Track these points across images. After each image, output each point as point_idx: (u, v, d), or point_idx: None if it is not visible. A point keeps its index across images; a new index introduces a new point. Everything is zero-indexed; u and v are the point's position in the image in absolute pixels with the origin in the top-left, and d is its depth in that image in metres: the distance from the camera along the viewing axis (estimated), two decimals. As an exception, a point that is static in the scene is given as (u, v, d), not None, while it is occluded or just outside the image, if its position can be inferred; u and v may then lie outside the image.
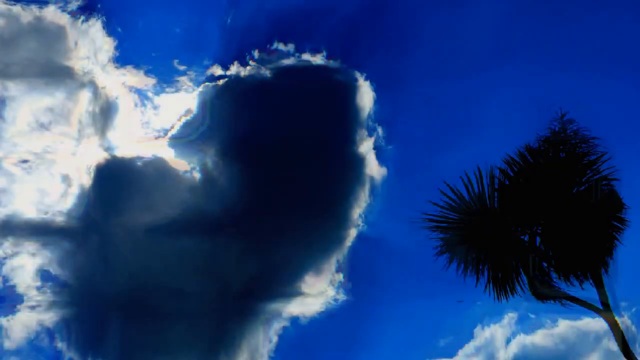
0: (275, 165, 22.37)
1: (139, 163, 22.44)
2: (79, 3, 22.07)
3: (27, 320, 21.69)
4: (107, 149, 22.36)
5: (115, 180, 22.24)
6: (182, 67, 22.67)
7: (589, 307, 12.45)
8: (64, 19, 22.03)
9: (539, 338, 22.01)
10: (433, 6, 22.97)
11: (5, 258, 21.69)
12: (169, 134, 22.73)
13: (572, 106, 13.27)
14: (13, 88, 21.86)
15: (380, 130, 22.93)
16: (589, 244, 12.60)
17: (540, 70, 22.18)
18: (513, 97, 22.06)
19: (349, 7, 23.13)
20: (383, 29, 23.17)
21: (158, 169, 22.50)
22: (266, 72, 22.78)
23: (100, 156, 22.25)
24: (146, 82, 22.56)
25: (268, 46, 22.85)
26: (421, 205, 13.24)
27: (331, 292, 22.46)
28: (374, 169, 22.87)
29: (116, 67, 22.43)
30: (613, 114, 21.21)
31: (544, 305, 13.15)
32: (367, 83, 22.85)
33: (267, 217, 22.26)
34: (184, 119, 22.75)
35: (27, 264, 21.80)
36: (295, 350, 22.83)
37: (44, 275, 21.80)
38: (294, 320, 22.49)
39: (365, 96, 22.84)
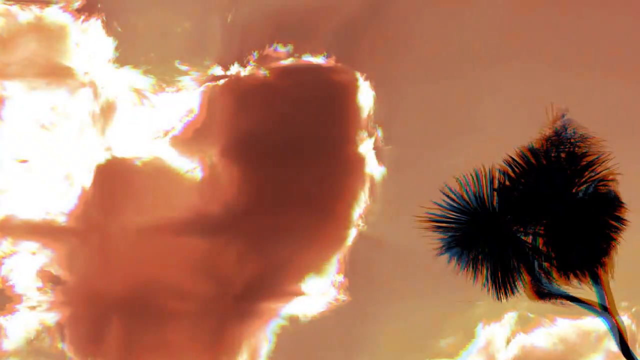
0: (275, 165, 22.39)
1: (139, 163, 22.45)
2: (79, 3, 22.08)
3: (27, 320, 21.71)
4: (107, 149, 22.36)
5: (115, 180, 22.25)
6: (182, 67, 22.67)
7: (588, 307, 12.46)
8: (64, 18, 22.04)
9: (539, 338, 22.02)
10: (433, 6, 22.97)
11: (5, 258, 21.70)
12: (169, 134, 22.74)
13: (572, 106, 13.28)
14: (12, 88, 21.87)
15: (380, 130, 22.94)
16: (588, 244, 12.61)
17: (540, 70, 22.17)
18: (513, 97, 22.05)
19: (349, 7, 23.12)
20: (383, 29, 23.17)
21: (158, 169, 22.50)
22: (266, 72, 22.80)
23: (100, 156, 22.26)
24: (146, 82, 22.56)
25: (268, 46, 22.87)
26: (421, 205, 13.25)
27: (331, 292, 22.48)
28: (374, 168, 22.89)
29: (116, 67, 22.44)
30: (613, 114, 21.21)
31: (544, 305, 13.17)
32: (367, 83, 22.87)
33: (267, 217, 22.27)
34: (184, 119, 22.75)
35: (27, 264, 21.81)
36: (295, 351, 22.84)
37: (44, 275, 21.82)
38: (294, 320, 22.51)
39: (365, 96, 22.85)
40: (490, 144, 20.85)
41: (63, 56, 22.11)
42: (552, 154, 12.95)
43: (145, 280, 21.97)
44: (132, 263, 22.02)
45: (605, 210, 12.72)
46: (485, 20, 22.64)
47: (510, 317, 22.04)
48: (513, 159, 12.94)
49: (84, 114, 22.24)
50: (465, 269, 13.08)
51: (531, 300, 13.10)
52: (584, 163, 12.93)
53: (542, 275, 12.93)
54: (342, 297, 22.50)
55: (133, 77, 22.54)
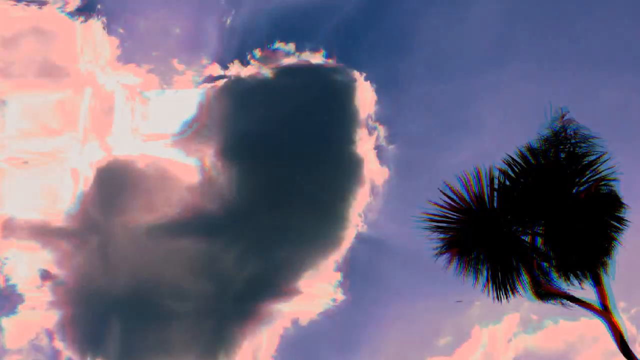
0: (275, 165, 22.38)
1: (139, 163, 22.45)
2: (79, 3, 22.09)
3: (27, 320, 21.71)
4: (107, 148, 22.37)
5: (115, 180, 22.25)
6: (182, 67, 22.70)
7: (588, 307, 12.44)
8: (64, 19, 22.05)
9: (539, 338, 22.03)
10: (433, 6, 22.98)
11: (5, 258, 21.70)
12: (169, 134, 22.74)
13: (572, 106, 13.27)
14: (13, 88, 21.87)
15: (380, 130, 22.95)
16: (588, 244, 12.59)
17: (540, 70, 22.18)
18: (513, 97, 22.07)
19: (349, 7, 23.14)
20: (383, 29, 23.18)
21: (158, 169, 22.50)
22: (266, 72, 22.80)
23: (101, 156, 22.26)
24: (146, 81, 22.57)
25: (268, 46, 22.88)
26: (421, 205, 13.23)
27: (331, 292, 22.48)
28: (373, 168, 22.89)
29: (116, 67, 22.44)
30: (613, 114, 21.21)
31: (543, 305, 13.15)
32: (367, 83, 22.88)
33: (267, 217, 22.26)
34: (184, 119, 22.75)
35: (27, 264, 21.81)
36: (295, 350, 22.85)
37: (44, 275, 21.82)
38: (294, 320, 22.51)
39: (365, 96, 22.86)
40: (490, 144, 20.87)
41: (63, 56, 22.11)
42: (552, 154, 12.93)
43: (145, 280, 21.97)
44: (132, 263, 22.02)
45: (605, 210, 12.69)
46: (486, 21, 22.64)
47: (509, 317, 22.04)
48: (513, 158, 12.91)
49: (84, 114, 22.24)
50: (465, 269, 13.06)
51: (531, 301, 13.08)
52: (584, 163, 12.90)
53: (542, 275, 12.91)
54: (342, 297, 22.50)
55: (133, 76, 22.54)
